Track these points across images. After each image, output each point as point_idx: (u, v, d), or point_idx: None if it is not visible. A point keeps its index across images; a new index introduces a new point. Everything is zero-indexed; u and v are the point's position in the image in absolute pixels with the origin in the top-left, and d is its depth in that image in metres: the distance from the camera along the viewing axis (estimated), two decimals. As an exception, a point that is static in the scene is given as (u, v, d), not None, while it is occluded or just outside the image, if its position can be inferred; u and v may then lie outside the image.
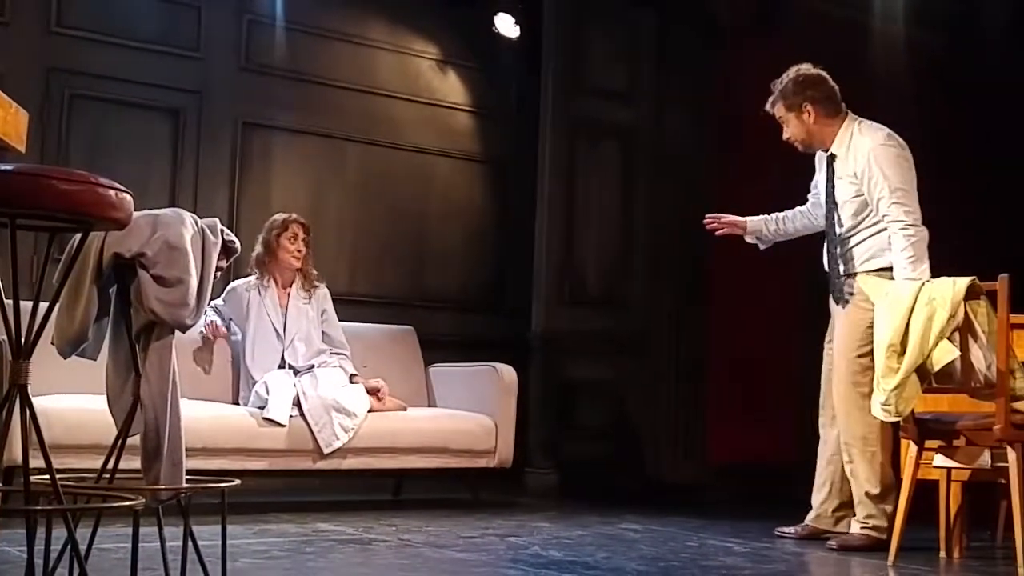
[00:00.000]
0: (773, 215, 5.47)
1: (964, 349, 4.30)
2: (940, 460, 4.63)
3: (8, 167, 2.51)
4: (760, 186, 7.17)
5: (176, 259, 3.08)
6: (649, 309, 7.79)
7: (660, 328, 7.82)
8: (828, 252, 5.11)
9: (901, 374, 4.24)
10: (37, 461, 2.68)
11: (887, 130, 5.01)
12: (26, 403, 2.63)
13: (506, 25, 7.75)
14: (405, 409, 6.17)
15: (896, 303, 4.35)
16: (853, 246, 5.02)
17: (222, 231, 3.28)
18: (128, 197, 2.68)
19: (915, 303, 4.30)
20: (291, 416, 5.66)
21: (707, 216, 5.57)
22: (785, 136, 5.18)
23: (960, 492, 4.80)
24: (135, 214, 2.82)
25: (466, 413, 6.29)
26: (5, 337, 2.67)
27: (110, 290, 3.19)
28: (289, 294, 6.17)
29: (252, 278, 6.19)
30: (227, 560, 3.31)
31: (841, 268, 5.04)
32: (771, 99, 5.17)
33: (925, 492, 4.72)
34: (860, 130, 5.01)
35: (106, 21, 6.61)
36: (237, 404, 5.91)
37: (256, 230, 6.33)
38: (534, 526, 5.30)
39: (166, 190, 6.71)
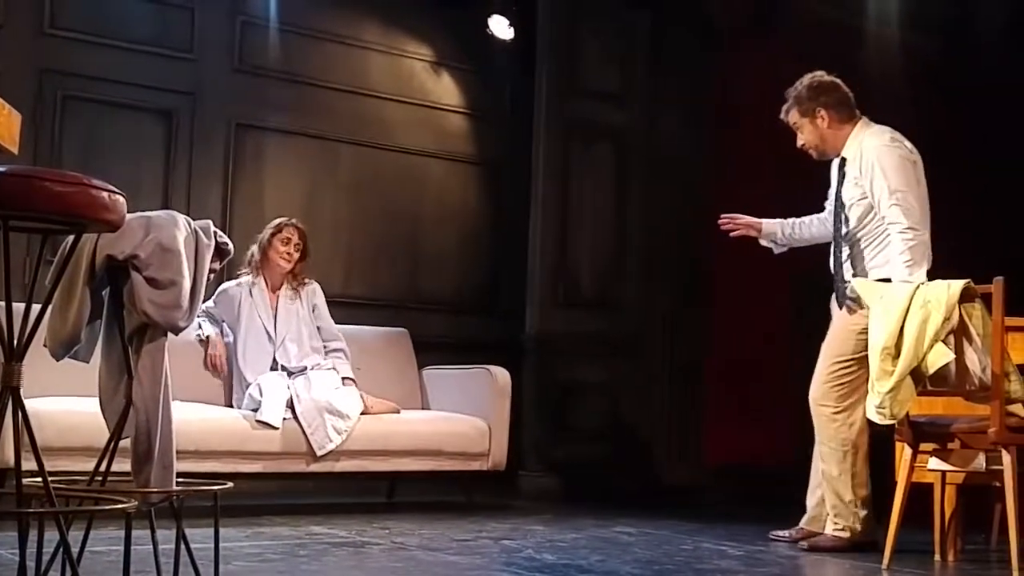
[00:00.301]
0: (790, 220, 5.42)
1: (959, 352, 4.30)
2: (935, 463, 4.64)
3: (1, 169, 2.50)
4: (755, 188, 7.18)
5: (169, 261, 3.07)
6: (643, 311, 7.78)
7: (655, 330, 7.81)
8: (834, 255, 5.10)
9: (896, 377, 4.24)
10: (29, 463, 2.67)
11: (894, 133, 5.01)
12: (18, 405, 2.62)
13: (500, 27, 7.74)
14: (399, 412, 6.16)
15: (891, 306, 4.34)
16: (859, 250, 5.01)
17: (215, 233, 3.27)
18: (121, 199, 2.67)
19: (910, 306, 4.29)
20: (284, 419, 5.65)
21: (722, 216, 5.50)
22: (799, 143, 5.18)
23: (955, 495, 4.80)
24: (128, 216, 2.81)
25: (460, 415, 6.28)
26: (-3, 339, 2.66)
27: (103, 292, 3.18)
28: (279, 296, 6.17)
29: (244, 278, 6.18)
30: (220, 563, 3.31)
31: (845, 271, 5.03)
32: (785, 107, 5.18)
33: (920, 495, 4.72)
34: (869, 133, 5.02)
35: (99, 22, 6.59)
36: (230, 406, 5.90)
37: (249, 231, 6.33)
38: (528, 529, 5.29)
39: (159, 192, 6.69)
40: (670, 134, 7.90)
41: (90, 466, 3.25)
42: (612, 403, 7.63)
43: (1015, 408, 4.32)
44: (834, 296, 5.14)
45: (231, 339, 6.09)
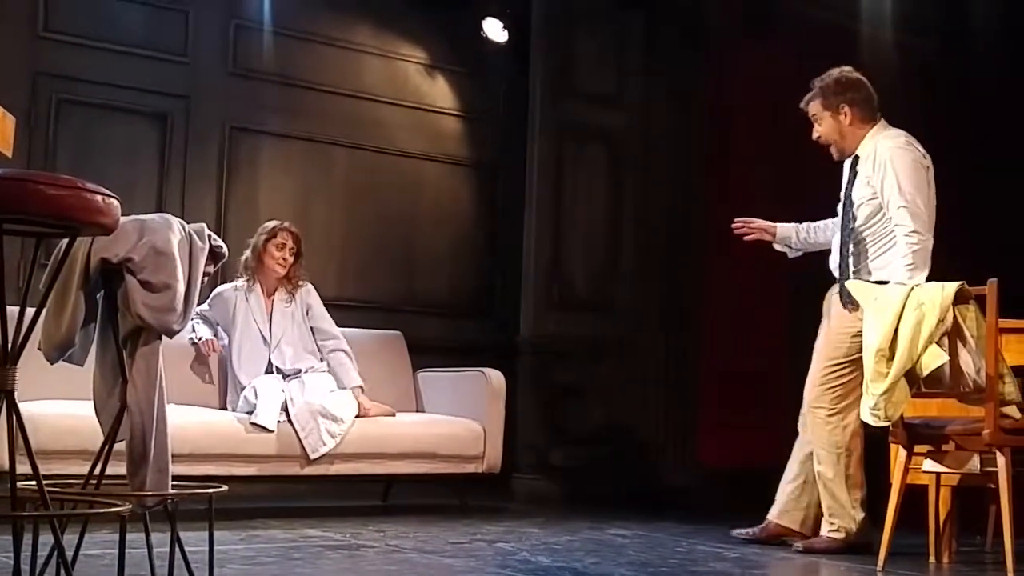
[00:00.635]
0: (804, 223, 5.38)
1: (953, 354, 4.30)
2: (929, 465, 4.64)
3: (-5, 172, 2.50)
4: (749, 189, 7.19)
5: (163, 264, 3.07)
6: (638, 312, 7.77)
7: (649, 332, 7.80)
8: (840, 254, 5.07)
9: (890, 379, 4.24)
10: (24, 467, 2.67)
11: (909, 136, 5.00)
12: (13, 409, 2.62)
13: (494, 29, 7.74)
14: (393, 414, 6.15)
15: (885, 307, 4.35)
16: (863, 249, 4.99)
17: (209, 236, 3.27)
18: (115, 202, 2.67)
19: (904, 307, 4.30)
20: (279, 422, 5.65)
21: (736, 220, 5.45)
22: (815, 135, 5.15)
23: (949, 497, 4.81)
24: (122, 219, 2.81)
25: (455, 418, 6.28)
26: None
27: (97, 295, 3.17)
28: (273, 300, 6.16)
29: (239, 282, 6.18)
30: (214, 566, 3.30)
31: (849, 268, 5.01)
32: (809, 95, 5.14)
33: (914, 497, 4.72)
34: (885, 135, 5.01)
35: (93, 25, 6.58)
36: (225, 409, 5.90)
37: (244, 235, 6.32)
38: (523, 531, 5.29)
39: (153, 195, 6.68)
40: (663, 135, 7.89)
41: (85, 469, 3.25)
42: (607, 405, 7.62)
43: (1009, 410, 4.32)
44: (827, 296, 5.14)
45: (226, 341, 6.09)
